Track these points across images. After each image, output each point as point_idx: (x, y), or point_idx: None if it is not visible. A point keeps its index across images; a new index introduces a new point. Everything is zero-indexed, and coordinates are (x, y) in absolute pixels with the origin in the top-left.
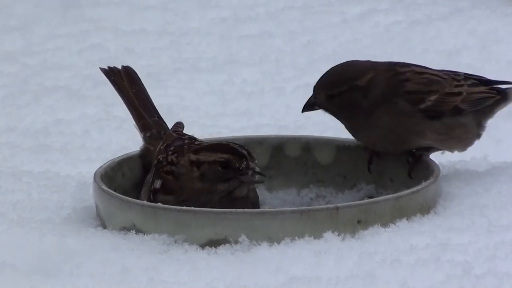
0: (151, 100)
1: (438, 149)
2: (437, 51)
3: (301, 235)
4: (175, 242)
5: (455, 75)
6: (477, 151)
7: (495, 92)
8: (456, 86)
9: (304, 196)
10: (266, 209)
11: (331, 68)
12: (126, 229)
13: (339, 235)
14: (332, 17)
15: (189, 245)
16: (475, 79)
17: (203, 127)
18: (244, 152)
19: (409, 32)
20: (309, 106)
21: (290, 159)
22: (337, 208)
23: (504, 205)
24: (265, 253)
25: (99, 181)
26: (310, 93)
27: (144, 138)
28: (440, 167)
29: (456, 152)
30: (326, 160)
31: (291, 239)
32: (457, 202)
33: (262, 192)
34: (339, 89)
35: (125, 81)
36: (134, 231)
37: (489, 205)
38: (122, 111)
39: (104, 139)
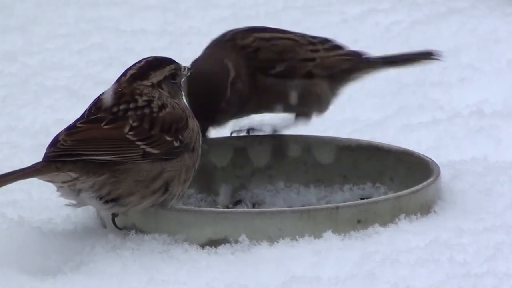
0: None
1: (299, 114)
2: None
3: (301, 235)
4: (175, 242)
5: (312, 38)
6: (477, 151)
7: (352, 56)
8: (312, 51)
9: (304, 196)
10: (266, 209)
11: (191, 84)
12: (126, 229)
13: (339, 235)
14: (332, 17)
15: (189, 245)
16: (333, 44)
17: None
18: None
19: (409, 32)
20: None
21: (290, 159)
22: (337, 208)
23: (504, 205)
24: (265, 253)
25: None
26: None
27: None
28: (440, 167)
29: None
30: (326, 160)
31: (291, 239)
32: (457, 202)
33: (262, 192)
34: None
35: None
36: (134, 231)
37: (490, 205)
38: None
39: None
